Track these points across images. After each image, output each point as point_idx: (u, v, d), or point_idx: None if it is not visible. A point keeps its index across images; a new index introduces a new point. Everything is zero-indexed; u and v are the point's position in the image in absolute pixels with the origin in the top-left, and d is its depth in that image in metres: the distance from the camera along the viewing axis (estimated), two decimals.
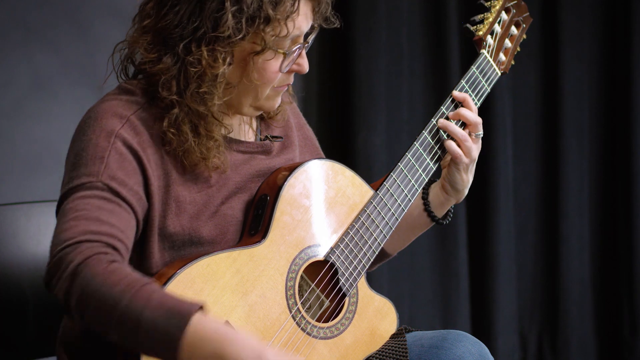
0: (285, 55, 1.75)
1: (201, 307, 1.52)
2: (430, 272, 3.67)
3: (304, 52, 1.79)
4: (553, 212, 3.81)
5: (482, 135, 1.98)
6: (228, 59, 1.71)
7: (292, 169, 1.83)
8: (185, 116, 1.73)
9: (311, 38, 1.80)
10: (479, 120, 1.96)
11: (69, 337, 1.78)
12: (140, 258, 1.74)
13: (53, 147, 3.04)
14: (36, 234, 2.16)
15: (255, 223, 1.80)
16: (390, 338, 1.89)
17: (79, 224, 1.61)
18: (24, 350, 2.13)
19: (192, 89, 1.71)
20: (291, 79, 1.82)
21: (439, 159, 1.97)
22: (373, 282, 2.02)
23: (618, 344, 3.84)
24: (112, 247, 1.62)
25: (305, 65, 1.80)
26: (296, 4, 1.72)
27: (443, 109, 1.96)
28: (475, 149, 1.96)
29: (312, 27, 1.80)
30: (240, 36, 1.69)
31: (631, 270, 3.79)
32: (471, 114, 1.95)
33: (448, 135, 1.95)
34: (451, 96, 1.97)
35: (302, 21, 1.75)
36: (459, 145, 1.94)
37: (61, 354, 1.79)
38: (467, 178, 1.98)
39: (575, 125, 3.79)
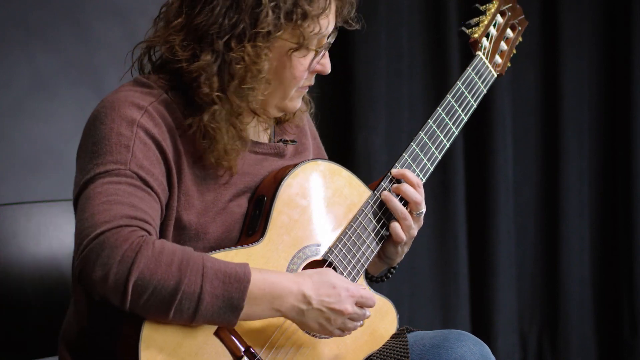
0: (317, 52, 1.77)
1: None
2: (430, 272, 3.67)
3: (327, 52, 1.81)
4: (553, 212, 3.81)
5: (424, 213, 1.90)
6: (269, 55, 1.72)
7: (289, 169, 1.82)
8: (225, 113, 1.74)
9: (332, 38, 1.81)
10: (420, 198, 1.89)
11: (71, 336, 1.78)
12: None
13: (53, 147, 3.03)
14: (36, 234, 2.15)
15: (252, 223, 1.79)
16: (391, 338, 1.89)
17: (113, 208, 1.60)
18: (25, 350, 2.13)
19: (236, 85, 1.72)
20: (312, 80, 1.84)
21: (435, 159, 1.96)
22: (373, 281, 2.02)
23: (618, 344, 3.84)
24: (147, 232, 1.62)
25: (328, 65, 1.82)
26: (328, 1, 1.74)
27: (384, 185, 1.89)
28: (416, 227, 1.91)
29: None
30: (280, 32, 1.71)
31: (631, 270, 3.79)
32: (412, 191, 1.88)
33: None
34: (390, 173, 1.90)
35: (332, 20, 1.77)
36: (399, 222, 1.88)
37: (63, 353, 1.79)
38: (403, 251, 1.94)
39: (575, 125, 3.79)
